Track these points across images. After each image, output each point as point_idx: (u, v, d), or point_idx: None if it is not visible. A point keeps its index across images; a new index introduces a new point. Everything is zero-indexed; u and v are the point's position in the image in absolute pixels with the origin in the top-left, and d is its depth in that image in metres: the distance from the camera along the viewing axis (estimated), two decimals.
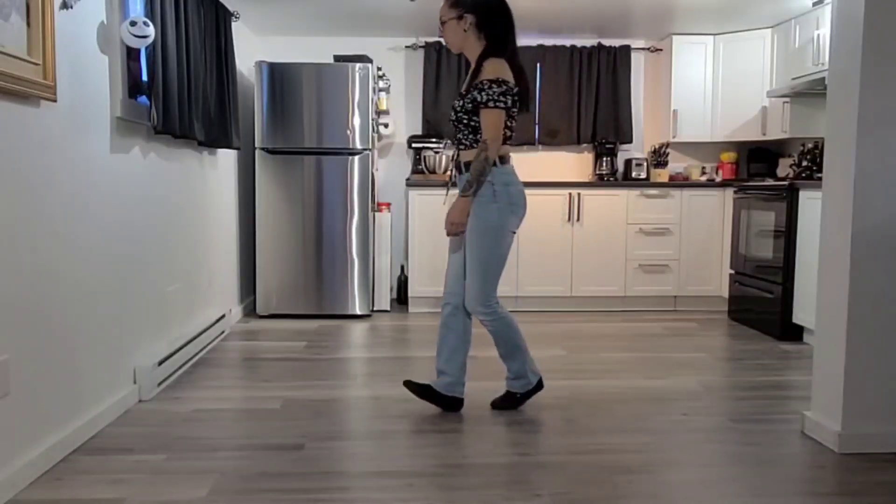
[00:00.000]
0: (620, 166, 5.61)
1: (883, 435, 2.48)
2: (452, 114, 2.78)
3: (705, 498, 2.11)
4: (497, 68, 2.63)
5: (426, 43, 5.48)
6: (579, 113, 5.53)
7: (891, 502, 2.09)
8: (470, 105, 2.66)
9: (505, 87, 2.62)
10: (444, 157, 5.33)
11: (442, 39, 2.79)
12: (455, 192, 2.81)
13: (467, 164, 2.73)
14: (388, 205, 5.26)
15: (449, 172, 2.95)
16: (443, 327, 2.89)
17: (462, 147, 2.78)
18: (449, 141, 5.40)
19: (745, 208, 4.71)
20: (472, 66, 2.75)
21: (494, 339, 2.87)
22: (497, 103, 2.61)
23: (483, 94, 2.61)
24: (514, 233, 2.81)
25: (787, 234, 4.19)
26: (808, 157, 4.78)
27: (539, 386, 2.96)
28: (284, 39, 5.51)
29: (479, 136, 2.69)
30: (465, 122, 2.71)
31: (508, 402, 2.95)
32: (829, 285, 2.57)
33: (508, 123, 2.72)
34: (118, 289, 2.85)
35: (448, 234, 2.76)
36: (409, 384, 2.95)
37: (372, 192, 4.93)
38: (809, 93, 4.60)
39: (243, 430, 2.66)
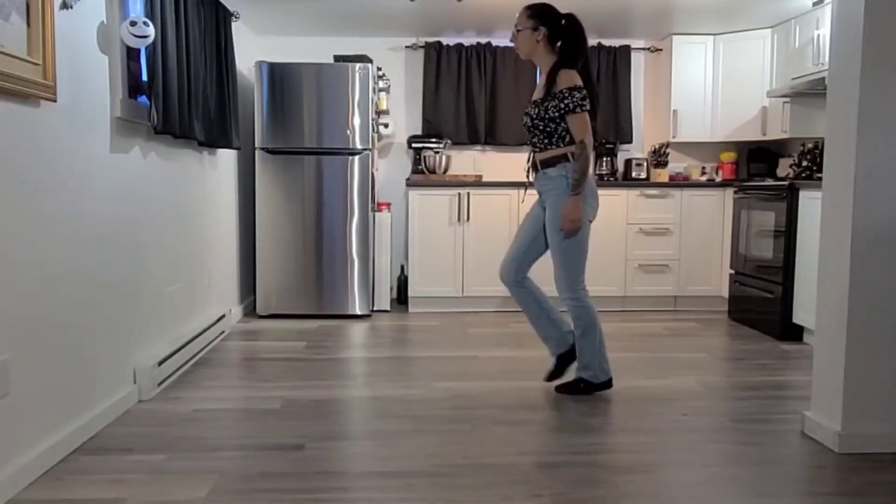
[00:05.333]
0: (620, 166, 5.61)
1: (883, 435, 2.48)
2: (528, 120, 3.02)
3: (705, 498, 2.11)
4: (571, 77, 2.90)
5: (426, 43, 5.48)
6: None
7: (891, 502, 2.09)
8: (556, 113, 2.91)
9: (584, 93, 2.91)
10: (443, 157, 5.34)
11: (513, 43, 3.08)
12: (532, 190, 3.18)
13: (543, 163, 3.01)
14: (388, 205, 5.26)
15: (526, 173, 3.19)
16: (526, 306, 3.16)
17: (537, 150, 3.05)
18: (449, 141, 5.41)
19: (745, 208, 4.71)
20: (544, 75, 2.99)
21: (574, 323, 3.06)
22: (583, 108, 2.90)
23: (567, 101, 2.89)
24: (591, 221, 3.02)
25: (787, 234, 4.19)
26: (808, 157, 4.78)
27: (606, 384, 3.11)
28: (284, 39, 5.51)
29: (553, 139, 2.96)
30: (541, 127, 2.97)
31: (573, 388, 3.12)
32: (829, 285, 2.57)
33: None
34: (118, 289, 2.85)
35: (568, 235, 2.93)
36: (560, 388, 3.17)
37: (372, 192, 4.93)
38: (809, 93, 4.60)
39: (243, 430, 2.66)
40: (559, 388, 3.13)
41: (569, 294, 3.00)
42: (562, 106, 2.89)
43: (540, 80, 3.06)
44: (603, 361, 3.07)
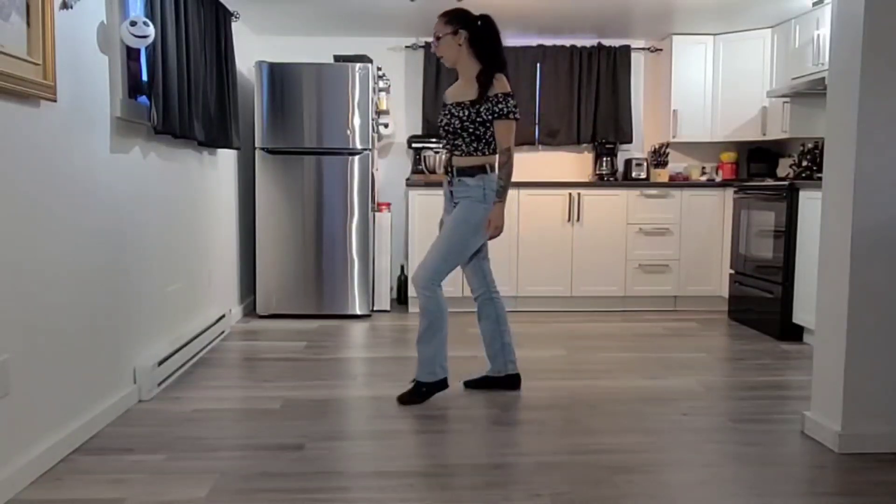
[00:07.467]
0: (620, 166, 5.61)
1: (883, 435, 2.48)
2: (456, 122, 2.95)
3: (705, 498, 2.11)
4: (505, 83, 2.91)
5: (426, 43, 5.48)
6: (579, 113, 5.53)
7: (891, 502, 2.09)
8: (489, 116, 2.90)
9: (515, 101, 2.93)
10: (443, 157, 5.33)
11: (436, 53, 3.03)
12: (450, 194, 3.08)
13: (462, 170, 2.98)
14: (388, 205, 5.26)
15: (447, 179, 3.12)
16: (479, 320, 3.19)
17: (458, 153, 2.99)
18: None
19: (745, 208, 4.71)
20: (474, 80, 2.93)
21: (421, 316, 2.98)
22: (516, 115, 2.92)
23: (502, 106, 2.89)
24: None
25: (787, 234, 4.19)
26: (808, 157, 4.78)
27: (443, 383, 3.03)
28: (284, 39, 5.51)
29: (480, 144, 2.94)
30: (470, 130, 2.93)
31: (416, 395, 3.00)
32: (829, 285, 2.57)
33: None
34: (118, 289, 2.85)
35: (492, 238, 3.00)
36: (468, 384, 3.23)
37: (372, 192, 4.93)
38: (809, 93, 4.60)
39: (243, 430, 2.66)
40: (401, 399, 3.01)
41: (427, 285, 2.94)
42: (495, 110, 2.88)
43: (460, 82, 3.03)
44: (443, 359, 3.00)
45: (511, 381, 3.19)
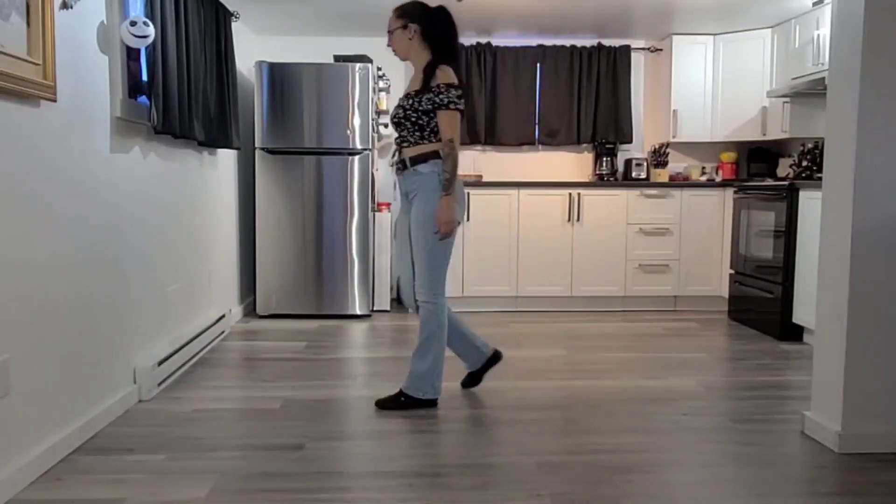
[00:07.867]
0: (620, 166, 5.61)
1: (883, 435, 2.48)
2: (400, 112, 2.91)
3: (705, 498, 2.11)
4: (450, 74, 2.84)
5: None
6: (579, 113, 5.54)
7: (891, 502, 2.09)
8: (429, 105, 2.82)
9: (461, 91, 2.85)
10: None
11: (390, 48, 2.99)
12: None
13: (414, 160, 2.89)
14: (388, 205, 5.26)
15: (395, 171, 3.02)
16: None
17: (406, 145, 2.93)
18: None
19: (745, 208, 4.71)
20: (422, 72, 2.89)
21: (420, 327, 2.92)
22: (458, 106, 2.83)
23: (443, 96, 2.80)
24: (459, 223, 2.91)
25: (787, 234, 4.19)
26: (808, 157, 4.78)
27: (431, 403, 2.95)
28: (284, 39, 5.51)
29: (425, 133, 2.86)
30: (413, 119, 2.87)
31: (394, 403, 2.94)
32: (829, 285, 2.57)
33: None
34: (118, 289, 2.85)
35: (444, 236, 2.83)
36: (465, 384, 3.23)
37: (372, 192, 4.93)
38: (809, 93, 4.60)
39: (243, 430, 2.66)
40: (379, 403, 2.96)
41: (429, 297, 2.86)
42: (437, 100, 2.79)
43: (413, 75, 2.97)
44: (436, 378, 2.92)
45: (494, 359, 3.17)
